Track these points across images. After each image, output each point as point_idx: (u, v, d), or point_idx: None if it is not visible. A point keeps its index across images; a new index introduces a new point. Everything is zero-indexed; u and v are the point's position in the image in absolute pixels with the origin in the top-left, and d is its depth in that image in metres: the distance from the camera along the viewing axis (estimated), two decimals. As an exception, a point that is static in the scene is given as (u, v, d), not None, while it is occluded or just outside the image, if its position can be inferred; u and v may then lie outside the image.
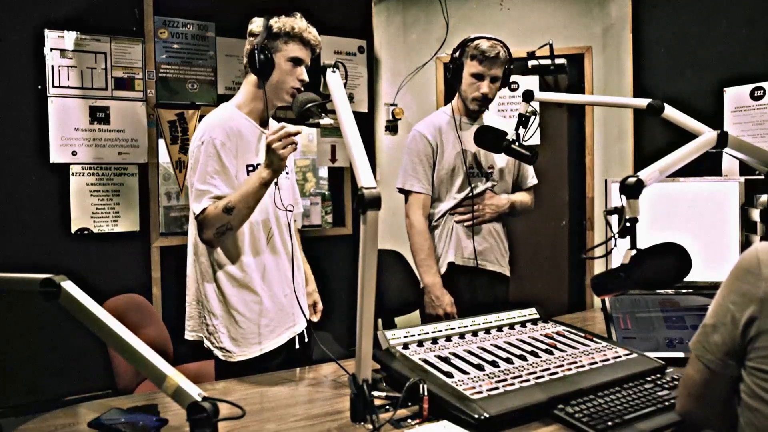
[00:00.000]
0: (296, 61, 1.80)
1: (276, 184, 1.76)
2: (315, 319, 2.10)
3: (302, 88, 1.82)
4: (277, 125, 1.62)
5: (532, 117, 2.20)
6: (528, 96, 2.17)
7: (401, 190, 2.37)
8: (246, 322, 1.79)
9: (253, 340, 1.80)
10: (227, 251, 1.79)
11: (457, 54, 2.27)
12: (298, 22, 1.79)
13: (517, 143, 2.16)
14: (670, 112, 1.86)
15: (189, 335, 1.88)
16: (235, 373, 1.74)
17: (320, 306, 2.14)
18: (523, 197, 2.46)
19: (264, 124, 1.88)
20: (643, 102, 1.92)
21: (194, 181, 1.73)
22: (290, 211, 1.90)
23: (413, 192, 2.32)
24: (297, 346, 1.93)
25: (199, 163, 1.72)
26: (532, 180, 2.51)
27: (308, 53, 1.83)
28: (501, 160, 2.38)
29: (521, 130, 2.18)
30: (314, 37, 1.82)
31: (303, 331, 1.96)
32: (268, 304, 1.83)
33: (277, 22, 1.76)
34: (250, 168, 1.80)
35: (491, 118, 2.43)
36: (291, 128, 1.60)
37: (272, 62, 1.76)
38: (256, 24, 1.80)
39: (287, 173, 1.93)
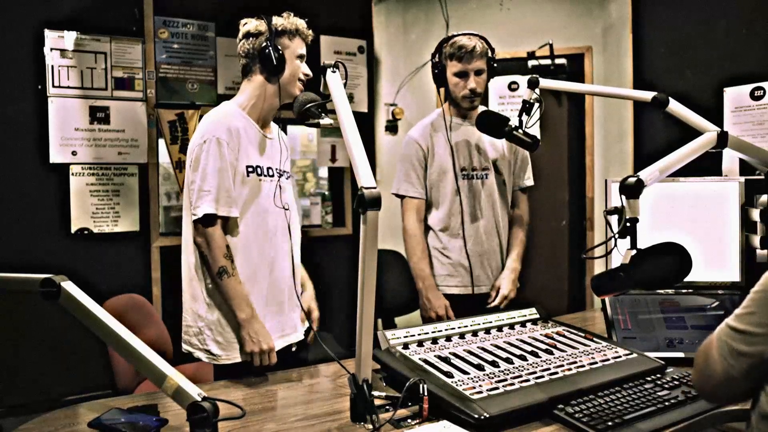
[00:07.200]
0: (301, 57, 1.84)
1: (280, 186, 1.82)
2: (304, 327, 1.97)
3: (305, 82, 1.85)
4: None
5: (536, 104, 2.18)
6: (533, 83, 2.15)
7: (396, 195, 2.37)
8: (231, 328, 1.74)
9: (237, 345, 1.74)
10: None
11: (436, 57, 2.26)
12: (298, 21, 1.82)
13: (519, 130, 2.10)
14: (675, 107, 1.85)
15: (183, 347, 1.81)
16: (228, 375, 1.71)
17: (316, 314, 1.99)
18: (519, 245, 2.39)
19: (265, 125, 1.87)
20: (647, 95, 1.90)
21: (196, 179, 1.70)
22: (287, 209, 1.86)
23: (407, 197, 2.32)
24: (293, 349, 1.89)
25: (201, 161, 1.70)
26: (528, 180, 2.43)
27: (305, 48, 1.87)
28: (498, 157, 2.35)
29: (524, 117, 2.16)
30: (311, 33, 1.86)
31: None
32: (259, 310, 1.75)
33: (281, 21, 1.78)
34: (250, 169, 1.77)
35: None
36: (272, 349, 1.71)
37: (285, 59, 1.78)
38: (252, 25, 1.78)
39: (287, 177, 1.92)
